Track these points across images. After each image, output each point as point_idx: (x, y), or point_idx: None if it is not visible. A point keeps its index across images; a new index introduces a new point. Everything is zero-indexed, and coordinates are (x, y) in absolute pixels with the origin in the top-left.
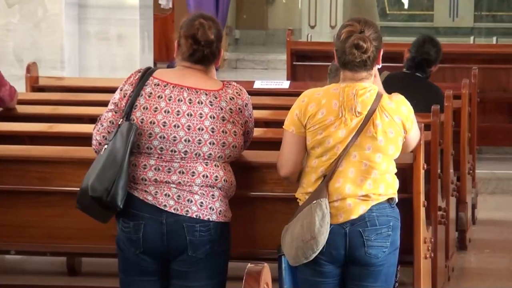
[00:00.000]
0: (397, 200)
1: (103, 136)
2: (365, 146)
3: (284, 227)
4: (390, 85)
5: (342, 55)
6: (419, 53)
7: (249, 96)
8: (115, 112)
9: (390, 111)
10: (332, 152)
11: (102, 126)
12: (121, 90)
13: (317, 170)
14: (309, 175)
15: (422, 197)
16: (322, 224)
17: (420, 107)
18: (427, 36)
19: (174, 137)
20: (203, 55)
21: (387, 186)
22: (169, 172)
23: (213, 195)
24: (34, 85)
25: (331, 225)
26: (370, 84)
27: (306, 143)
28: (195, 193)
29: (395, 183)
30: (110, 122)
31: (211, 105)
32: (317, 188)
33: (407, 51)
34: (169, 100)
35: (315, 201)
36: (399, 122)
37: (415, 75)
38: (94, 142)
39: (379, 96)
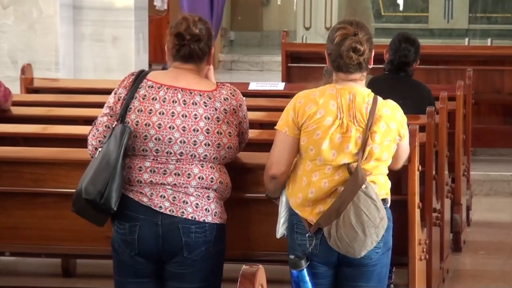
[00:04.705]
0: (389, 201)
1: (99, 141)
2: (363, 156)
3: (326, 229)
4: (375, 88)
5: (337, 58)
6: (397, 56)
7: (244, 97)
8: (110, 116)
9: (386, 118)
10: (328, 159)
11: (98, 131)
12: (115, 93)
13: (310, 174)
14: (301, 179)
15: (417, 199)
16: (378, 198)
17: (408, 107)
18: (402, 36)
19: (170, 138)
20: (190, 50)
21: (380, 187)
22: (164, 174)
23: (208, 196)
24: (29, 87)
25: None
26: (365, 88)
27: (301, 143)
28: (190, 195)
29: (387, 184)
30: (105, 126)
31: (206, 106)
32: (351, 178)
33: (386, 52)
34: (164, 101)
35: (364, 185)
36: (394, 129)
37: (399, 75)
38: (89, 147)
39: (375, 103)
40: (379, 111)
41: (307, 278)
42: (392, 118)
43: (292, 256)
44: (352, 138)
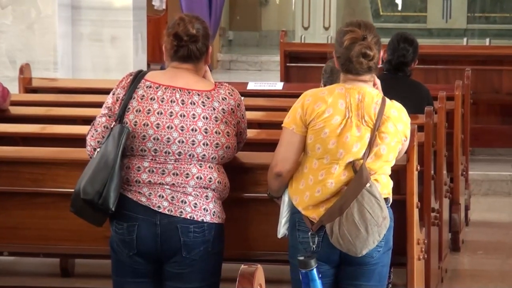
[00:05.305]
0: (391, 201)
1: (98, 141)
2: (369, 155)
3: (329, 226)
4: None
5: (346, 62)
6: (395, 56)
7: (242, 97)
8: (109, 117)
9: (394, 119)
10: (335, 157)
11: (96, 131)
12: (113, 94)
13: (316, 172)
14: (307, 177)
15: (415, 199)
16: (381, 198)
17: (407, 107)
18: (401, 36)
19: (168, 138)
20: (188, 51)
21: (382, 187)
22: (163, 174)
23: (207, 196)
24: (27, 87)
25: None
26: (373, 89)
27: (307, 141)
28: (189, 194)
29: (389, 184)
30: (104, 127)
31: (204, 105)
32: (356, 176)
33: (384, 52)
34: (162, 101)
35: (368, 184)
36: (401, 130)
37: (397, 75)
38: (88, 148)
39: (383, 104)
40: (387, 112)
41: (317, 277)
42: (399, 119)
43: (301, 257)
44: (360, 137)
